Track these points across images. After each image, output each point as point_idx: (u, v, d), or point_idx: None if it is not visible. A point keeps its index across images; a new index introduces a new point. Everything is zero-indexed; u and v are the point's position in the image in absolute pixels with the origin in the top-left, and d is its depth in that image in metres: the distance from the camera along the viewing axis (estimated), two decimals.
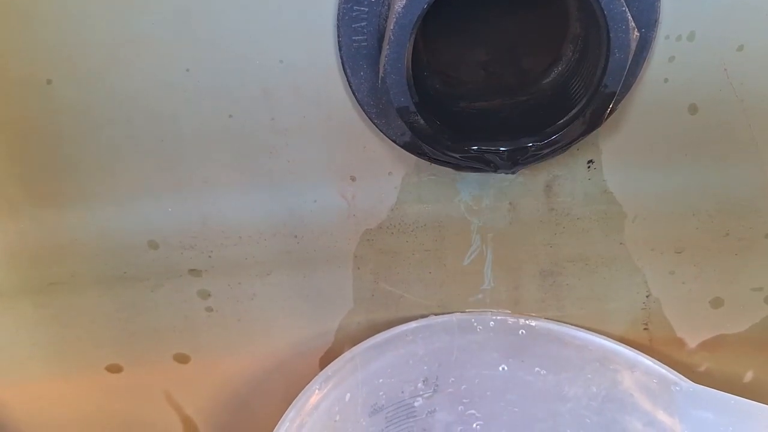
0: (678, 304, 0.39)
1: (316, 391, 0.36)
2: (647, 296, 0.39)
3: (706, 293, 0.39)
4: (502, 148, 0.31)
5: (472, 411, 0.45)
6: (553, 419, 0.44)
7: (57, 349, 0.41)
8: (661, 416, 0.39)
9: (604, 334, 0.40)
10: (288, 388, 0.38)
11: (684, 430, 0.38)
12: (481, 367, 0.43)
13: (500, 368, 0.43)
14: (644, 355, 0.39)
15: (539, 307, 0.40)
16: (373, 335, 0.40)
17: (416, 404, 0.43)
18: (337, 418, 0.39)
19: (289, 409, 0.36)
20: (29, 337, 0.40)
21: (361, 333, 0.41)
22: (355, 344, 0.40)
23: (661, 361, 0.39)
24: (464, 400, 0.44)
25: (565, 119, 0.32)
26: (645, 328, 0.40)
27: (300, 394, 0.36)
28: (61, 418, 0.45)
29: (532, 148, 0.31)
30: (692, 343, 0.41)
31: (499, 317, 0.41)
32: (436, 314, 0.41)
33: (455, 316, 0.41)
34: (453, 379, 0.43)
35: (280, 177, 0.35)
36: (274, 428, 0.35)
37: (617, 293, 0.39)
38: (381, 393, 0.41)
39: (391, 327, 0.40)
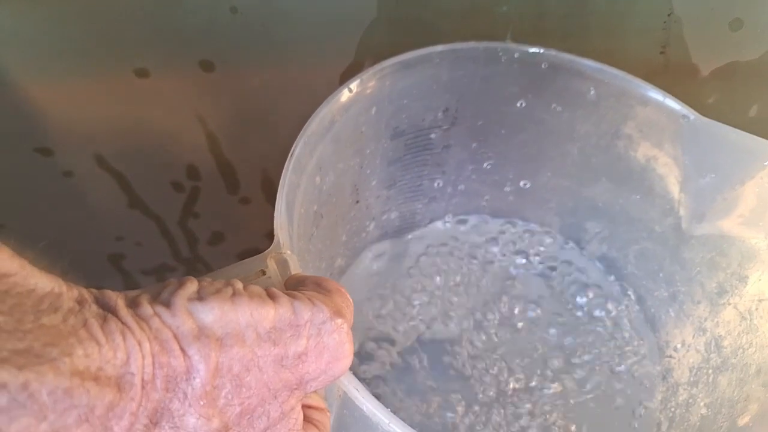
0: (698, 25, 0.41)
1: (348, 91, 0.38)
2: (669, 15, 0.41)
3: (727, 13, 0.41)
4: None
5: (485, 150, 0.48)
6: (561, 158, 0.48)
7: (86, 46, 0.42)
8: (667, 149, 0.43)
9: (621, 59, 0.42)
10: (307, 106, 0.40)
11: (686, 161, 0.42)
12: (499, 102, 0.45)
13: (518, 104, 0.45)
14: (659, 90, 0.42)
15: (562, 33, 0.42)
16: (393, 53, 0.41)
17: (432, 136, 0.46)
18: (363, 129, 0.42)
19: (322, 105, 0.38)
20: (59, 32, 0.41)
21: (382, 50, 0.42)
22: (375, 61, 0.41)
23: (673, 90, 0.41)
24: (479, 138, 0.47)
25: None
26: (662, 52, 0.42)
27: (333, 93, 0.38)
28: (92, 121, 0.47)
29: None
30: (705, 70, 0.43)
31: (523, 48, 0.43)
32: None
33: (481, 44, 0.43)
34: (471, 113, 0.46)
35: None
36: (292, 146, 0.37)
37: (640, 10, 0.41)
38: (403, 116, 0.44)
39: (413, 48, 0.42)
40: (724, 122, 0.40)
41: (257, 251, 0.61)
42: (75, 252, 0.61)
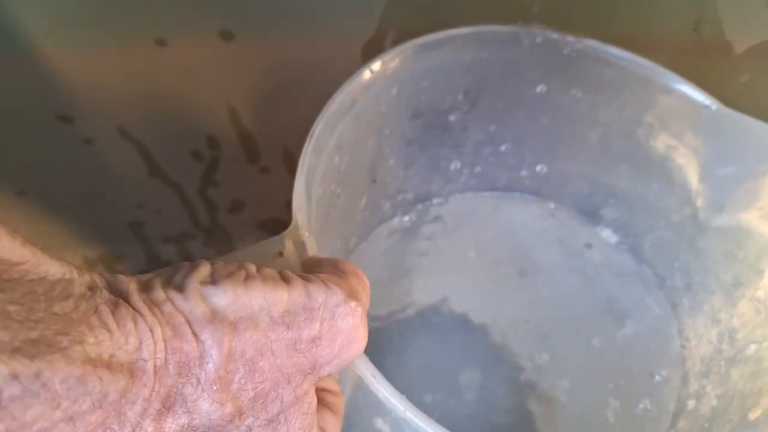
0: (733, 1, 0.39)
1: (370, 72, 0.37)
2: None
3: None
4: None
5: (503, 133, 0.47)
6: (580, 145, 0.46)
7: (106, 14, 0.41)
8: (687, 139, 0.41)
9: (653, 35, 0.40)
10: (328, 78, 0.38)
11: (707, 151, 0.40)
12: (520, 86, 0.43)
13: (538, 89, 0.43)
14: (683, 79, 0.40)
15: (591, 8, 0.39)
16: (417, 25, 0.40)
17: (452, 118, 0.45)
18: (383, 109, 0.40)
19: (344, 84, 0.36)
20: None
21: (405, 21, 0.40)
22: (398, 34, 0.40)
23: (705, 68, 0.39)
24: (498, 121, 0.46)
25: None
26: (695, 29, 0.40)
27: (355, 74, 0.37)
28: (113, 89, 0.46)
29: None
30: (739, 48, 0.41)
31: (546, 33, 0.41)
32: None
33: (505, 28, 0.41)
34: (491, 96, 0.44)
35: None
36: (312, 116, 0.36)
37: None
38: (423, 98, 0.42)
39: (437, 27, 0.40)
40: (756, 101, 0.39)
41: (277, 220, 0.61)
42: (96, 219, 0.60)
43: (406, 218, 0.49)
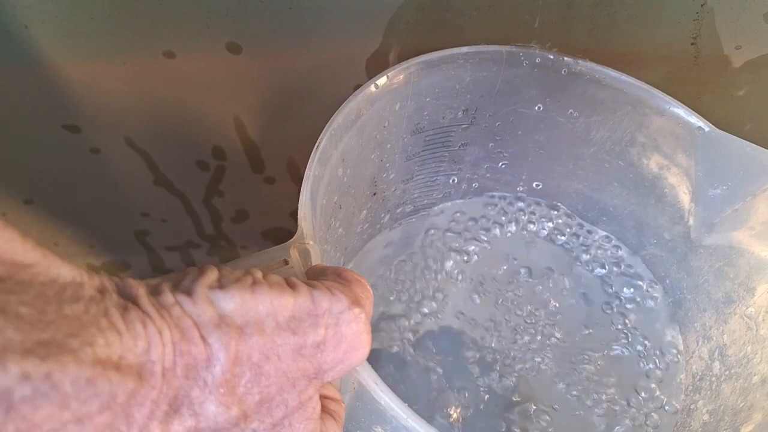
0: (731, 16, 0.39)
1: (375, 86, 0.37)
2: (702, 5, 0.38)
3: (761, 5, 0.38)
4: None
5: (501, 150, 0.46)
6: (573, 162, 0.46)
7: (115, 27, 0.40)
8: (679, 159, 0.41)
9: (651, 50, 0.39)
10: (332, 91, 0.37)
11: (699, 171, 0.40)
12: (518, 104, 0.43)
13: (536, 107, 0.43)
14: (676, 101, 0.40)
15: (591, 23, 0.39)
16: (420, 39, 0.39)
17: (451, 134, 0.44)
18: (386, 124, 0.40)
19: (349, 98, 0.36)
20: (88, 11, 0.39)
21: (409, 35, 0.40)
22: (402, 48, 0.39)
23: (703, 81, 0.39)
24: (496, 138, 0.45)
25: None
26: (692, 43, 0.40)
27: (360, 88, 0.37)
28: (120, 100, 0.46)
29: None
30: (737, 62, 0.41)
31: (545, 54, 0.41)
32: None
33: (505, 48, 0.41)
34: (490, 114, 0.44)
35: None
36: (319, 134, 0.35)
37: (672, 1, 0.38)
38: (425, 113, 0.42)
39: (438, 44, 0.40)
40: (753, 114, 0.38)
41: (281, 230, 0.60)
42: (102, 227, 0.59)
43: (402, 228, 0.48)
